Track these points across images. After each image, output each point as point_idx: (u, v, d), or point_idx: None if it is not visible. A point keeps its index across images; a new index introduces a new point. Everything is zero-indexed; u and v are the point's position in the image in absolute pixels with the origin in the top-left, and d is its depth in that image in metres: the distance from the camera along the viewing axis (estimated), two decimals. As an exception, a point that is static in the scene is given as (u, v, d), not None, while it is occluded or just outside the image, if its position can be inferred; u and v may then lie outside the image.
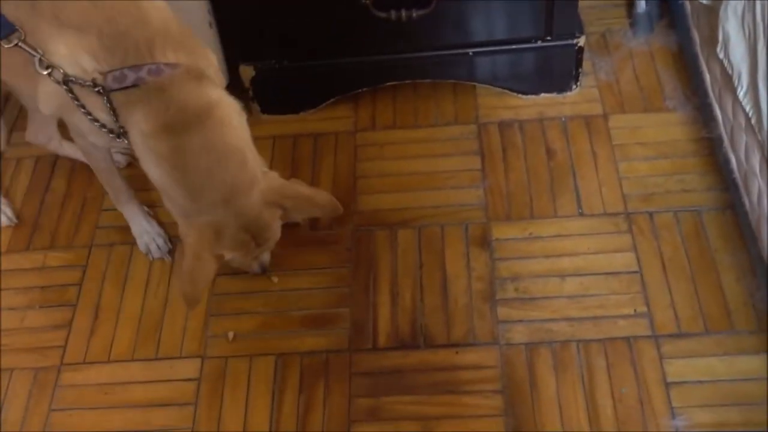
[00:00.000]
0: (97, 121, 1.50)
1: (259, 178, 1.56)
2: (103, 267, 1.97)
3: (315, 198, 1.66)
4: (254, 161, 1.57)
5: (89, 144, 1.68)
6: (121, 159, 2.05)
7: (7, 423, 1.75)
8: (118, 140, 1.54)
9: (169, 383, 1.77)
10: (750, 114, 1.57)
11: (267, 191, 1.57)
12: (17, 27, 1.42)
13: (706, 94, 1.92)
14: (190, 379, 1.77)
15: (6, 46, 1.43)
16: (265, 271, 1.85)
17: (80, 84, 1.43)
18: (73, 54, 1.43)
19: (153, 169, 1.52)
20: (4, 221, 2.05)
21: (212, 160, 1.48)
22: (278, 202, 1.59)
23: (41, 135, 2.09)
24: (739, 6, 1.57)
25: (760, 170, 1.56)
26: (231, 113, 1.53)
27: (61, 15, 1.42)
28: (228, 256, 1.61)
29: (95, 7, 1.42)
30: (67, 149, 2.11)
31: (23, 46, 1.43)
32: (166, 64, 1.44)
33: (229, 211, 1.53)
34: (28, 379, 1.80)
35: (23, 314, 1.91)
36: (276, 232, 1.66)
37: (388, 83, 2.17)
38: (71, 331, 1.87)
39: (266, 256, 1.82)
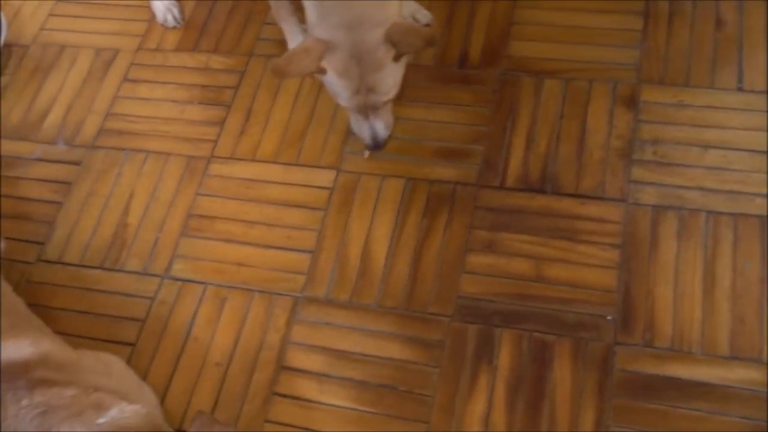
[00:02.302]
0: None
1: (391, 21, 1.57)
2: (259, 75, 2.08)
3: (418, 28, 1.65)
4: (396, 6, 1.59)
5: None
6: None
7: (159, 200, 1.93)
8: None
9: (305, 188, 1.89)
10: None
11: (389, 29, 1.57)
12: None
13: None
14: (324, 188, 1.88)
15: None
16: (377, 147, 1.78)
17: None
18: None
19: None
20: (171, 22, 2.20)
21: None
22: (392, 37, 1.57)
23: None
24: None
25: None
26: None
27: None
28: (332, 74, 1.61)
29: None
30: None
31: None
32: None
33: (348, 36, 1.56)
34: (181, 164, 1.97)
35: (183, 107, 2.07)
36: (387, 79, 1.63)
37: (561, -68, 2.10)
38: (223, 129, 2.01)
39: (380, 127, 1.75)
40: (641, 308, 1.63)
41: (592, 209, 1.76)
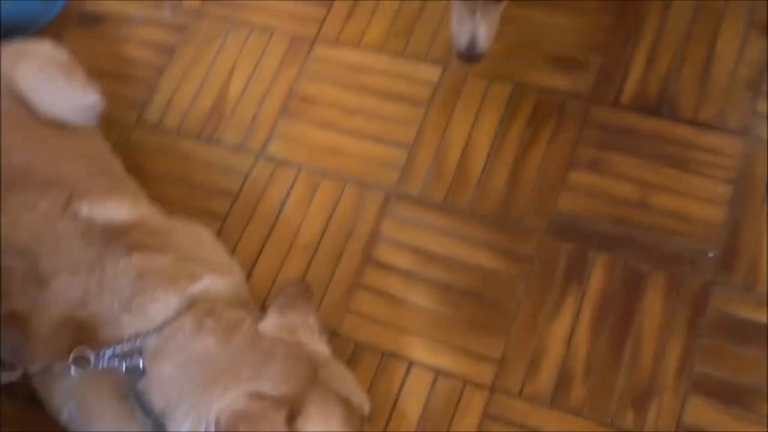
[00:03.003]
0: None
1: None
2: (373, -44, 1.99)
3: None
4: None
5: None
6: None
7: (260, 76, 1.90)
8: None
9: (409, 81, 1.83)
10: None
11: None
12: None
13: None
14: (428, 83, 1.82)
15: None
16: (470, 57, 1.59)
17: None
18: None
19: None
20: None
21: None
22: None
23: None
24: None
25: None
26: None
27: None
28: None
29: None
30: None
31: None
32: None
33: None
34: (285, 42, 1.93)
35: (292, -18, 2.01)
36: None
37: None
38: (331, 10, 1.95)
39: (482, 34, 1.58)
40: (747, 250, 1.56)
41: (708, 139, 1.67)
